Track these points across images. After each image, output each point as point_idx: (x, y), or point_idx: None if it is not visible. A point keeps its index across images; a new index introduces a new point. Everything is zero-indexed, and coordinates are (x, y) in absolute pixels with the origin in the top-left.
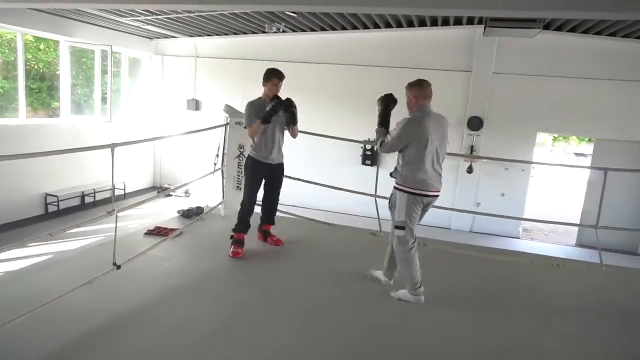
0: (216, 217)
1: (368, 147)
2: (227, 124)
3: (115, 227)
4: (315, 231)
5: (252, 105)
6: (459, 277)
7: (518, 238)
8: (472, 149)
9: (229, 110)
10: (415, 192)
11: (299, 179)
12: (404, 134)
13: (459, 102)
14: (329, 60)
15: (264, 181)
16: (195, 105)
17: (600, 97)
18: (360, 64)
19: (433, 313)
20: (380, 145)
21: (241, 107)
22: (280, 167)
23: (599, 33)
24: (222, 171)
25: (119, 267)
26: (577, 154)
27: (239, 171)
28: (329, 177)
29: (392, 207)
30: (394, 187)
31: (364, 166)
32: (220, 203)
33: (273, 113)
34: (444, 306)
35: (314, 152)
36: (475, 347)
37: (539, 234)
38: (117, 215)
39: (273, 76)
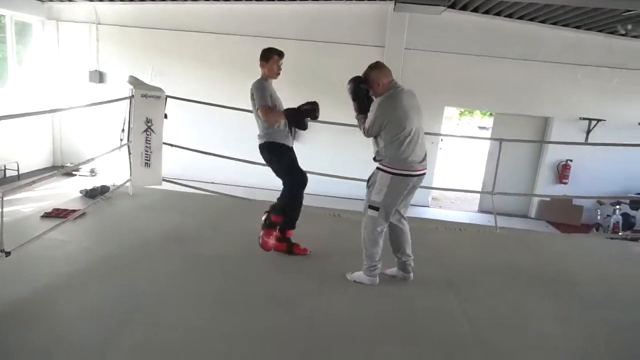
0: (124, 196)
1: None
2: (132, 96)
3: (1, 211)
4: (234, 207)
5: (264, 85)
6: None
7: (428, 206)
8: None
9: (134, 81)
10: (401, 173)
11: (213, 154)
12: (379, 114)
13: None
14: (237, 31)
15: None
16: (99, 77)
17: (500, 74)
18: (270, 37)
19: (348, 282)
20: (364, 131)
21: (152, 80)
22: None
23: (498, 14)
24: (128, 147)
25: (8, 253)
26: (480, 127)
27: (146, 146)
28: (247, 152)
29: (369, 186)
30: (377, 168)
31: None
32: (127, 181)
33: (304, 117)
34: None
35: (231, 126)
36: (390, 310)
37: (446, 202)
38: (2, 199)
39: (273, 53)
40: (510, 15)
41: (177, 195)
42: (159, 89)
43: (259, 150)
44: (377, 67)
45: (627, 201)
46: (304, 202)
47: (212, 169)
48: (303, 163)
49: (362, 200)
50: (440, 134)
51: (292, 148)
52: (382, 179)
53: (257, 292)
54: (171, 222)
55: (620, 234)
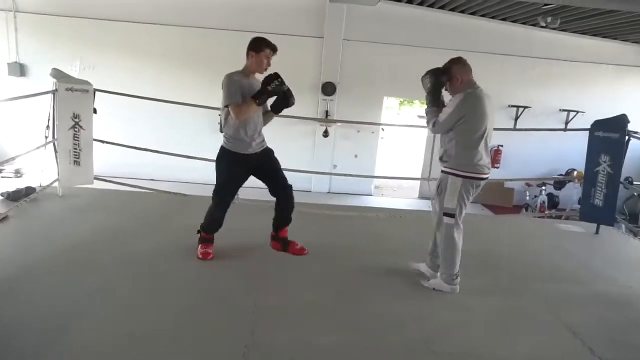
0: (52, 197)
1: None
2: (56, 90)
3: None
4: (170, 204)
5: (233, 80)
6: (319, 233)
7: (371, 195)
8: (327, 113)
9: (57, 74)
10: (471, 176)
11: (149, 150)
12: (461, 109)
13: (313, 68)
14: (172, 21)
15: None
16: (20, 70)
17: (436, 64)
18: (205, 27)
19: (300, 269)
20: (433, 125)
21: (81, 73)
22: (266, 152)
23: (432, 5)
24: (54, 144)
25: None
26: (420, 116)
27: (75, 143)
28: (185, 147)
29: (440, 192)
30: (443, 172)
31: (222, 134)
32: (55, 180)
33: (274, 94)
34: (308, 259)
35: (168, 121)
36: (322, 297)
37: (388, 190)
38: None
39: (266, 45)
40: (443, 7)
41: (110, 194)
42: (87, 82)
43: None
44: (460, 62)
45: (552, 182)
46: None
47: (149, 165)
48: None
49: (301, 191)
50: (380, 124)
51: (246, 160)
52: (453, 184)
53: (193, 289)
54: (104, 223)
55: (546, 212)
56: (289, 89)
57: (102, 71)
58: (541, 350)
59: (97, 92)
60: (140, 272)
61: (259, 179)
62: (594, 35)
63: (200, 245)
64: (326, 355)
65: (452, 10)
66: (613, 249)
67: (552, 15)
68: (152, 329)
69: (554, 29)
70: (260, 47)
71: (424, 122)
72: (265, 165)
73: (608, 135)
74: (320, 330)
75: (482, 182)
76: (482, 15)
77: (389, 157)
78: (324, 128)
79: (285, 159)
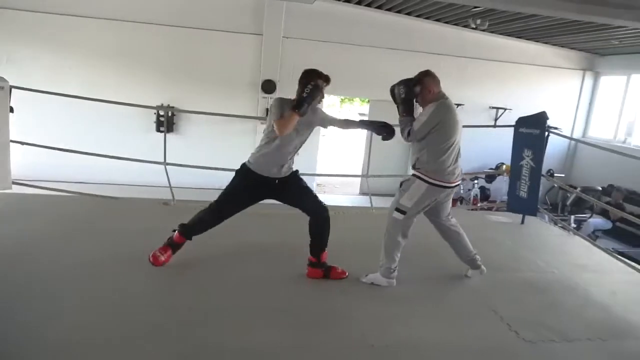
0: None
1: (162, 112)
2: None
3: None
4: (98, 208)
5: (284, 101)
6: (261, 234)
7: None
8: (267, 111)
9: None
10: (437, 183)
11: (74, 151)
12: (433, 118)
13: (252, 65)
14: (102, 15)
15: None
16: None
17: (374, 62)
18: (138, 21)
19: (238, 270)
20: (408, 134)
21: (4, 69)
22: (289, 179)
23: (369, 5)
24: None
25: None
26: (360, 114)
27: None
28: (118, 147)
29: (403, 189)
30: (414, 174)
31: (159, 133)
32: None
33: (310, 100)
34: (248, 262)
35: (98, 120)
36: (268, 290)
37: (330, 187)
38: None
39: (317, 77)
40: (380, 7)
41: (32, 199)
42: (1, 79)
43: None
44: (431, 75)
45: (483, 176)
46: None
47: (79, 167)
48: (183, 157)
49: None
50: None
51: (262, 183)
52: (418, 187)
53: (129, 295)
54: (24, 231)
55: (478, 205)
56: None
57: (28, 67)
58: (472, 337)
59: (14, 90)
60: (65, 279)
61: (288, 204)
62: (519, 37)
63: (160, 247)
64: (262, 356)
65: (389, 10)
66: (537, 237)
67: (481, 17)
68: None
69: (483, 30)
70: (312, 78)
71: (364, 119)
72: (293, 188)
73: (530, 131)
74: (256, 331)
75: (450, 190)
76: (418, 16)
77: (330, 155)
78: (263, 127)
79: (225, 158)
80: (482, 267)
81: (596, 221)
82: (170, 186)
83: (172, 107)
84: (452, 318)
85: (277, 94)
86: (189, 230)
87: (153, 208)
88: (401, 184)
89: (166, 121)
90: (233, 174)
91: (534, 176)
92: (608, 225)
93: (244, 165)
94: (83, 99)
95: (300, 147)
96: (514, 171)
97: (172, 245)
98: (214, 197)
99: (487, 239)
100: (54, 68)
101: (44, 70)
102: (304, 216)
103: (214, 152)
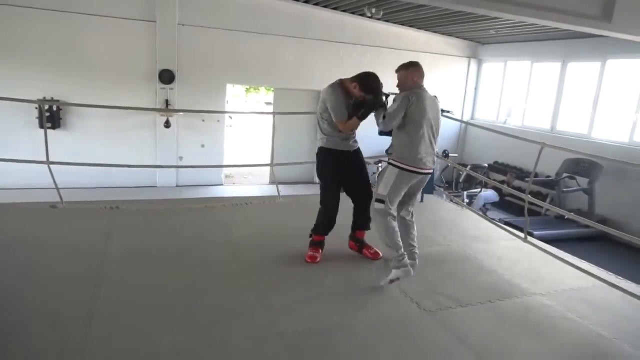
0: None
1: (46, 107)
2: None
3: None
4: None
5: (340, 95)
6: (159, 231)
7: (222, 185)
8: (167, 102)
9: None
10: (407, 168)
11: None
12: (402, 103)
13: (147, 54)
14: None
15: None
16: None
17: (277, 51)
18: (19, 5)
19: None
20: (383, 118)
21: None
22: (358, 152)
23: None
24: None
25: None
26: (267, 103)
27: None
28: None
29: (378, 179)
30: (387, 162)
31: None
32: None
33: (370, 111)
34: (148, 258)
35: None
36: (173, 286)
37: (239, 178)
38: None
39: (368, 90)
40: None
41: None
42: None
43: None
44: (417, 65)
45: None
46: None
47: None
48: (74, 155)
49: (146, 187)
50: (224, 112)
51: (342, 155)
52: (390, 172)
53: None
54: None
55: None
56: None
57: None
58: (378, 313)
59: None
60: None
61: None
62: (411, 26)
63: (310, 249)
64: (169, 355)
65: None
66: (433, 214)
67: (376, 6)
68: None
69: (378, 19)
70: (364, 86)
71: (271, 108)
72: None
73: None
74: (162, 330)
75: (422, 176)
76: (316, 4)
77: (238, 145)
78: (164, 118)
79: (124, 153)
80: (417, 261)
81: (486, 194)
82: (56, 187)
83: (57, 101)
84: (359, 298)
85: (177, 84)
86: (322, 229)
87: (40, 211)
88: (378, 174)
89: (44, 117)
90: (132, 170)
91: None
92: (496, 198)
93: (324, 149)
94: None
95: None
96: None
97: (318, 244)
98: (110, 196)
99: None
100: None
101: None
102: (201, 210)
103: (110, 148)
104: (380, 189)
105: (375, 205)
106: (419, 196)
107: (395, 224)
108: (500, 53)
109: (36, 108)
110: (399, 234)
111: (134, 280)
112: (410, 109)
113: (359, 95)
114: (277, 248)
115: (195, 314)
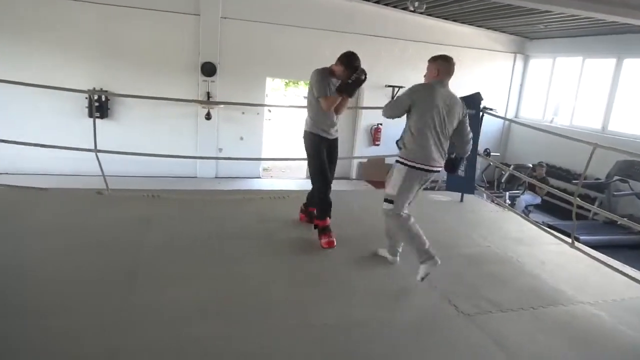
0: None
1: (95, 96)
2: None
3: None
4: (22, 201)
5: (326, 77)
6: (196, 220)
7: (259, 177)
8: (208, 95)
9: None
10: (415, 166)
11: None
12: (407, 95)
13: (191, 47)
14: None
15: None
16: None
17: (317, 45)
18: None
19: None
20: (385, 105)
21: None
22: (336, 142)
23: None
24: None
25: None
26: (305, 97)
27: None
28: (47, 134)
29: (388, 178)
30: (396, 161)
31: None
32: None
33: (356, 87)
34: (181, 251)
35: (25, 105)
36: (212, 278)
37: (277, 171)
38: None
39: (350, 67)
40: None
41: None
42: None
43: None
44: (447, 60)
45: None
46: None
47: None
48: (120, 144)
49: (186, 177)
50: (264, 105)
51: (326, 142)
52: (398, 170)
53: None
54: None
55: None
56: (364, 75)
57: None
58: (414, 313)
59: None
60: None
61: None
62: (455, 20)
63: (323, 236)
64: (196, 345)
65: None
66: (474, 214)
67: (419, 0)
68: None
69: (421, 13)
70: (348, 65)
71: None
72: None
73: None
74: (193, 320)
75: (431, 175)
76: None
77: (276, 139)
78: (206, 110)
79: (166, 144)
80: (398, 258)
81: (526, 197)
82: (103, 174)
83: (106, 91)
84: (394, 295)
85: (218, 77)
86: (325, 213)
87: (86, 197)
88: (387, 172)
89: (93, 106)
90: (171, 160)
91: (471, 156)
92: (537, 200)
93: (311, 134)
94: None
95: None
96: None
97: (330, 228)
98: (152, 184)
99: (429, 217)
100: None
101: None
102: (240, 202)
103: (153, 138)
104: (389, 189)
105: (384, 206)
106: (419, 194)
107: (411, 222)
108: (549, 49)
109: (86, 98)
110: (416, 230)
111: (170, 268)
112: (417, 102)
113: (343, 73)
114: (312, 242)
115: (228, 306)
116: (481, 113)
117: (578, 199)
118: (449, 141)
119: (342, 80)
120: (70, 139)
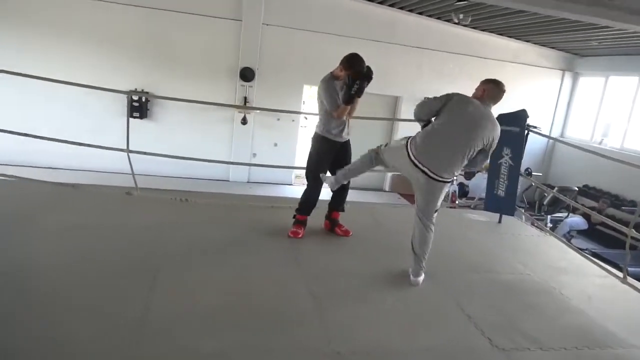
0: None
1: (135, 97)
2: None
3: None
4: (52, 197)
5: (331, 86)
6: (222, 227)
7: (291, 184)
8: (245, 100)
9: None
10: (409, 153)
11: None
12: (445, 96)
13: (231, 52)
14: None
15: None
16: None
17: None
18: (109, 1)
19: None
20: (415, 109)
21: None
22: (348, 143)
23: None
24: None
25: None
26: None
27: None
28: (88, 132)
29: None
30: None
31: (132, 119)
32: None
33: (359, 94)
34: (204, 254)
35: (74, 104)
36: (229, 290)
37: None
38: None
39: (352, 68)
40: None
41: None
42: None
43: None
44: (497, 84)
45: (462, 172)
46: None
47: (46, 152)
48: (157, 144)
49: (218, 180)
50: (300, 112)
51: (334, 146)
52: (398, 143)
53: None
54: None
55: (456, 202)
56: (368, 78)
57: None
58: (444, 344)
59: None
60: (21, 288)
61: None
62: (500, 34)
63: (294, 226)
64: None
65: (372, 0)
66: (513, 237)
67: (464, 12)
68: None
69: (465, 25)
70: (349, 67)
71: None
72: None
73: (509, 128)
74: (206, 332)
75: (419, 175)
76: (401, 8)
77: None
78: (242, 115)
79: (202, 146)
80: (420, 279)
81: (573, 220)
82: (133, 174)
83: (147, 93)
84: (424, 322)
85: (256, 82)
86: (303, 210)
87: (114, 197)
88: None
89: (129, 107)
90: (206, 164)
91: (513, 175)
92: (585, 225)
93: (319, 136)
94: (47, 80)
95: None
96: (493, 169)
97: (301, 222)
98: (183, 186)
99: (464, 237)
100: (20, 48)
101: (5, 50)
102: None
103: (189, 140)
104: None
105: (368, 151)
106: (430, 208)
107: (428, 233)
108: (601, 67)
109: (127, 98)
110: (429, 245)
111: (189, 275)
112: (449, 106)
113: (345, 76)
114: (339, 258)
115: (245, 318)
116: (526, 131)
117: (633, 230)
118: (464, 160)
119: (346, 86)
120: (110, 138)
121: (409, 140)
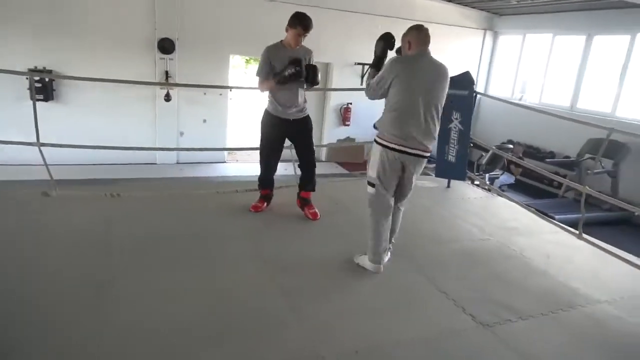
0: None
1: (36, 78)
2: None
3: None
4: None
5: (269, 52)
6: (165, 222)
7: (224, 162)
8: (167, 74)
9: None
10: (390, 146)
11: None
12: (388, 69)
13: (146, 21)
14: None
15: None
16: None
17: (282, 20)
18: None
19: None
20: (367, 87)
21: None
22: (303, 121)
23: None
24: None
25: None
26: None
27: None
28: None
29: (367, 159)
30: (374, 139)
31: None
32: None
33: (292, 80)
34: (153, 255)
35: None
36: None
37: (242, 155)
38: None
39: (298, 24)
40: None
41: None
42: None
43: None
44: (418, 29)
45: None
46: None
47: None
48: (68, 130)
49: (145, 164)
50: (228, 87)
51: (281, 122)
52: (374, 151)
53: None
54: None
55: None
56: (313, 68)
57: None
58: (429, 329)
59: None
60: None
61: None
62: None
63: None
64: None
65: None
66: (464, 201)
67: None
68: None
69: None
70: (292, 24)
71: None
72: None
73: (457, 92)
74: (194, 353)
75: (411, 158)
76: None
77: (240, 120)
78: (165, 91)
79: (122, 128)
80: (389, 254)
81: (501, 177)
82: (46, 165)
83: (50, 72)
84: (404, 309)
85: (177, 54)
86: (260, 184)
87: (27, 201)
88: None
89: (33, 90)
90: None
91: (463, 139)
92: (511, 180)
93: (266, 112)
94: None
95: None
96: (442, 135)
97: (264, 197)
98: (107, 173)
99: (417, 205)
100: None
101: None
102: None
103: (106, 122)
104: (369, 171)
105: (368, 189)
106: (410, 186)
107: (384, 219)
108: (519, 25)
109: (27, 79)
110: (387, 232)
111: (143, 286)
112: (399, 74)
113: (294, 37)
114: (301, 245)
115: (219, 328)
116: (474, 93)
117: (587, 187)
118: (438, 121)
119: (290, 58)
120: (12, 126)
121: (378, 139)
